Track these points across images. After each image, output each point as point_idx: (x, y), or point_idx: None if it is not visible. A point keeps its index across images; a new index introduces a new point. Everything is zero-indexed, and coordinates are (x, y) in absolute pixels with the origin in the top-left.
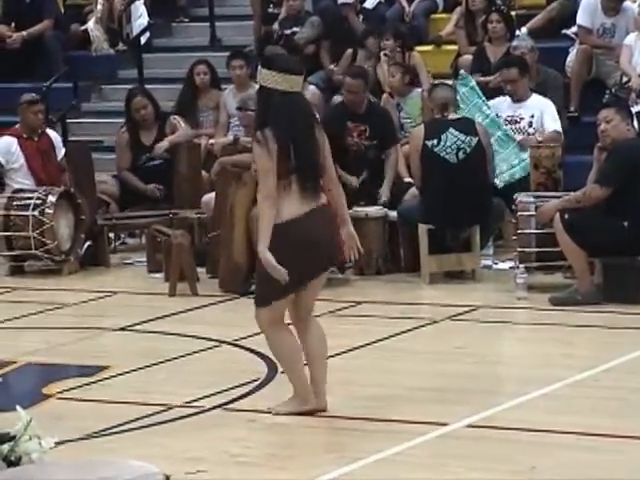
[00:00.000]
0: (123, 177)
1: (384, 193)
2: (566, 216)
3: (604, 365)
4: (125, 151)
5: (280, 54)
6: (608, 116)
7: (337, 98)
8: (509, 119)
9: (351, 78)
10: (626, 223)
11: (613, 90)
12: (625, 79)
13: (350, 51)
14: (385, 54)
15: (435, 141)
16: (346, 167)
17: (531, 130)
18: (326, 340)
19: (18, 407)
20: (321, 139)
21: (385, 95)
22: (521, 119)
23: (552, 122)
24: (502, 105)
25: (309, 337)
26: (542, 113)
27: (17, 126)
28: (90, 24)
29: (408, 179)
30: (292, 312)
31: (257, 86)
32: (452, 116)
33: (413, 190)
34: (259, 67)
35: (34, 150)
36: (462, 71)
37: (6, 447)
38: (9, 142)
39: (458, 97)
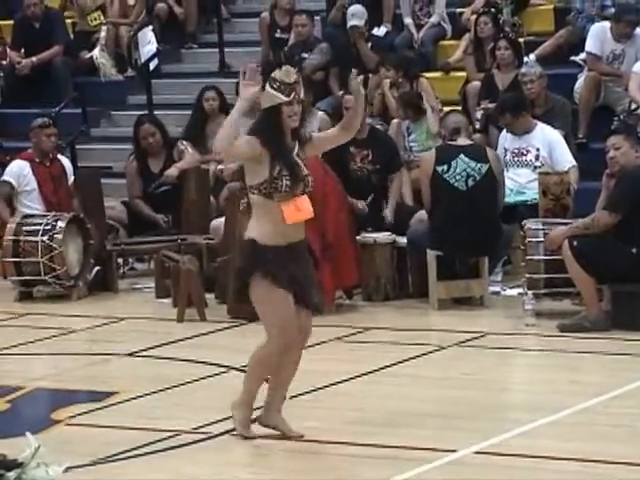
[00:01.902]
0: (134, 205)
1: (388, 215)
2: (575, 243)
3: (612, 392)
4: (135, 179)
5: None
6: (617, 143)
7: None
8: (516, 151)
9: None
10: (635, 249)
11: (622, 117)
12: (634, 106)
13: (361, 78)
14: (391, 83)
15: (445, 167)
16: (350, 192)
17: (537, 163)
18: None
19: (28, 433)
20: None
21: (394, 121)
22: (527, 152)
23: (566, 158)
24: (508, 137)
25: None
26: (551, 149)
27: (29, 151)
28: (95, 51)
29: (410, 204)
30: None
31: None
32: (463, 142)
33: (419, 214)
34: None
35: (46, 175)
36: None
37: (13, 475)
38: (22, 165)
39: None
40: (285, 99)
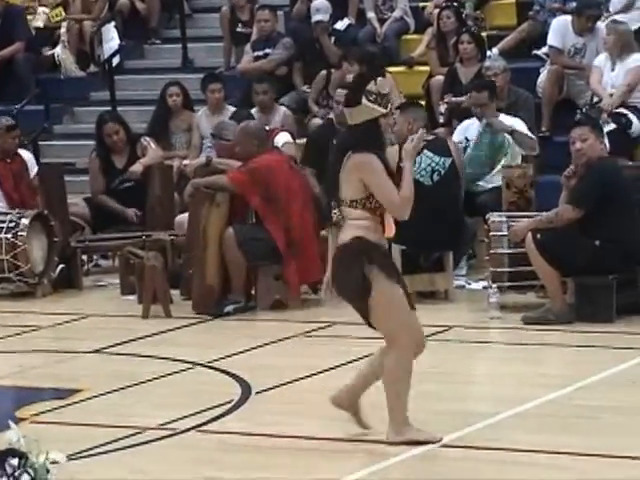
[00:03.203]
0: (99, 201)
1: None
2: (538, 236)
3: (577, 384)
4: (98, 176)
5: None
6: (583, 134)
7: (316, 121)
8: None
9: (341, 88)
10: (598, 242)
11: (584, 110)
12: (596, 99)
13: (324, 72)
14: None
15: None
16: (327, 184)
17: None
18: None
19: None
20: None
21: None
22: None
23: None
24: (471, 127)
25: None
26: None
27: None
28: (57, 48)
29: None
30: None
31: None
32: (426, 137)
33: None
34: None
35: (7, 171)
36: None
37: (36, 460)
38: None
39: None
40: (383, 111)
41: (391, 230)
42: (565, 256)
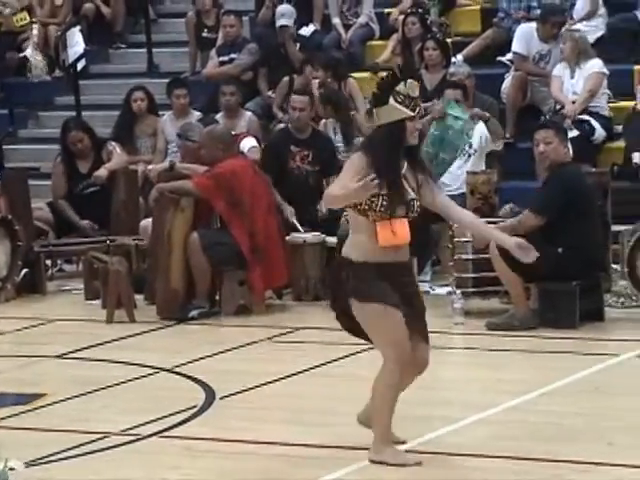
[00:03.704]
0: (58, 206)
1: (324, 206)
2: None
3: (540, 390)
4: (61, 180)
5: None
6: (547, 137)
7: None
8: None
9: (297, 94)
10: (561, 250)
11: (548, 116)
12: (559, 106)
13: (287, 79)
14: (319, 84)
15: None
16: (286, 191)
17: (471, 151)
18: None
19: None
20: None
21: (323, 121)
22: None
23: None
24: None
25: None
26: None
27: None
28: (29, 51)
29: None
30: None
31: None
32: None
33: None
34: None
35: None
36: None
37: None
38: None
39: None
40: (411, 114)
41: (385, 239)
42: (528, 263)
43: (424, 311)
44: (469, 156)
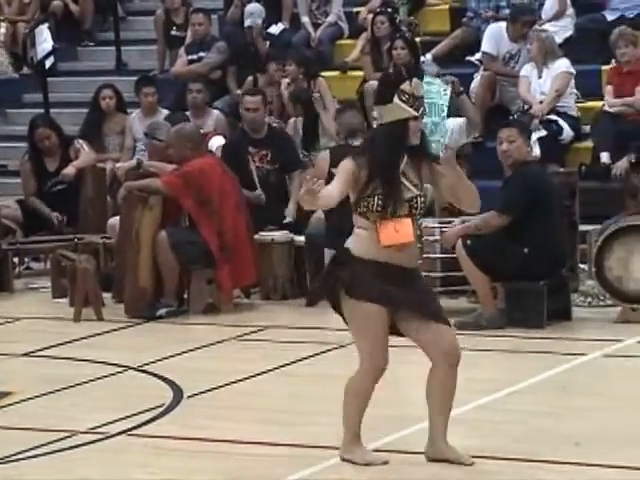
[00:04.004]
0: (30, 203)
1: (290, 213)
2: (469, 242)
3: (507, 389)
4: (30, 178)
5: None
6: (511, 136)
7: None
8: None
9: (249, 95)
10: (526, 250)
11: (516, 116)
12: (527, 106)
13: (251, 79)
14: (288, 82)
15: None
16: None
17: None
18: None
19: None
20: None
21: (292, 119)
22: None
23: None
24: None
25: None
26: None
27: None
28: None
29: None
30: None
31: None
32: (358, 142)
33: (318, 214)
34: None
35: None
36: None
37: None
38: None
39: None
40: (415, 113)
41: (387, 238)
42: (494, 262)
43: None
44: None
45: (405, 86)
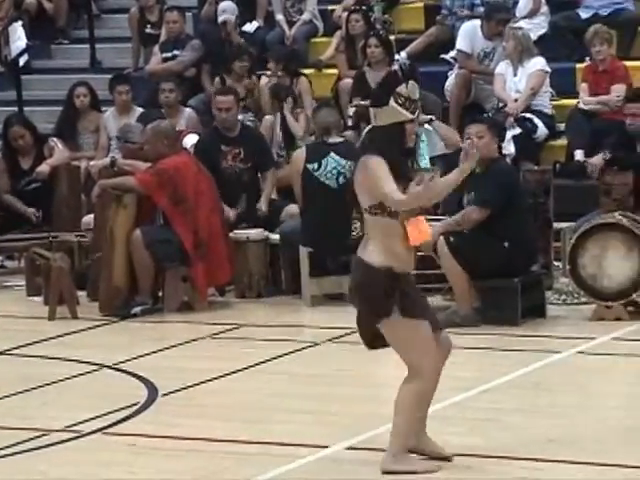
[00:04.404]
0: (4, 201)
1: (262, 207)
2: (452, 239)
3: (482, 386)
4: (3, 176)
5: None
6: (480, 132)
7: None
8: None
9: (221, 95)
10: (507, 244)
11: (491, 114)
12: (502, 104)
13: (217, 79)
14: (268, 76)
15: (316, 165)
16: (222, 191)
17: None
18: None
19: None
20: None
21: (267, 117)
22: None
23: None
24: None
25: None
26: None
27: None
28: None
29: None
30: None
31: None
32: (333, 140)
33: (289, 208)
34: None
35: None
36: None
37: None
38: None
39: None
40: (411, 116)
41: (417, 238)
42: (478, 260)
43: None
44: None
45: (401, 89)
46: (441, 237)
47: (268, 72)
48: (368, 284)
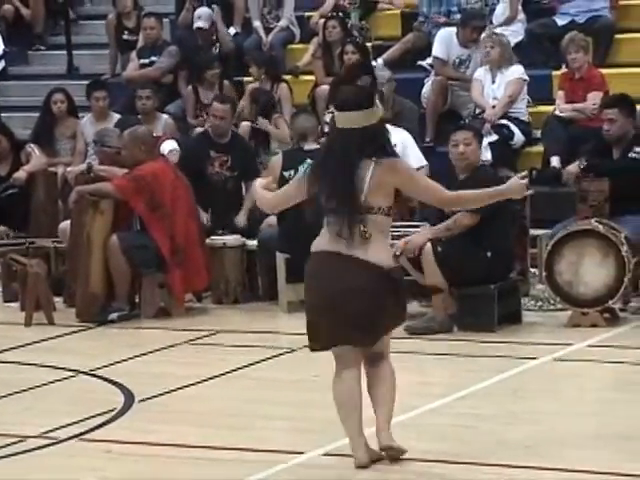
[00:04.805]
0: None
1: (241, 220)
2: (439, 249)
3: (458, 393)
4: None
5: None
6: (467, 139)
7: (198, 129)
8: None
9: (219, 103)
10: (489, 253)
11: (467, 121)
12: (479, 110)
13: (190, 88)
14: (252, 80)
15: (292, 172)
16: (204, 197)
17: None
18: (395, 384)
19: None
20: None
21: (244, 123)
22: None
23: (417, 159)
24: None
25: (375, 381)
26: (403, 147)
27: None
28: None
29: None
30: (360, 354)
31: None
32: (309, 146)
33: (269, 219)
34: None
35: None
36: None
37: None
38: None
39: None
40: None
41: None
42: (461, 268)
43: None
44: None
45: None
46: (428, 244)
47: (250, 77)
48: (392, 284)
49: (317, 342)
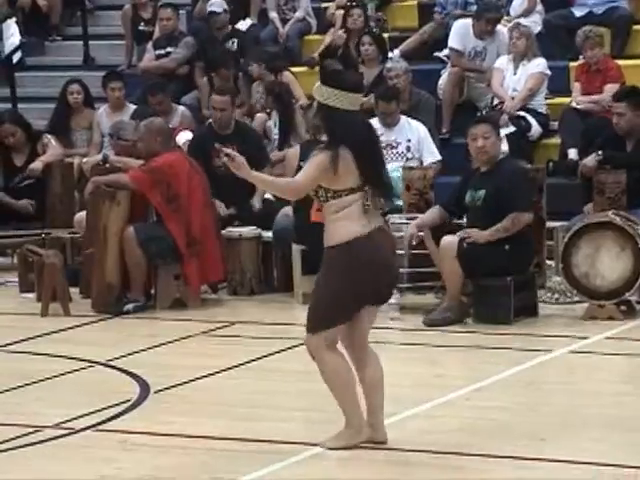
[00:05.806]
0: None
1: (256, 202)
2: (465, 245)
3: (474, 385)
4: None
5: (341, 70)
6: (487, 132)
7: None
8: (383, 144)
9: (218, 95)
10: (507, 246)
11: (484, 112)
12: (496, 101)
13: (205, 79)
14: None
15: None
16: (215, 189)
17: (409, 155)
18: (382, 369)
19: None
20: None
21: (259, 115)
22: (398, 144)
23: (431, 154)
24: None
25: (364, 366)
26: (419, 140)
27: None
28: None
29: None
30: (346, 340)
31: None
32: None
33: (285, 209)
34: (319, 84)
35: None
36: None
37: None
38: None
39: None
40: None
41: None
42: (479, 262)
43: None
44: (407, 159)
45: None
46: (448, 240)
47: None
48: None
49: (356, 306)
